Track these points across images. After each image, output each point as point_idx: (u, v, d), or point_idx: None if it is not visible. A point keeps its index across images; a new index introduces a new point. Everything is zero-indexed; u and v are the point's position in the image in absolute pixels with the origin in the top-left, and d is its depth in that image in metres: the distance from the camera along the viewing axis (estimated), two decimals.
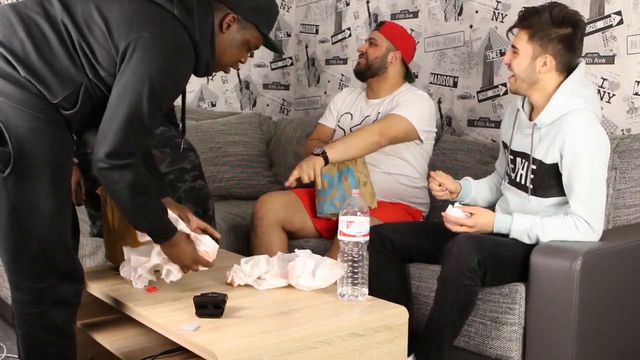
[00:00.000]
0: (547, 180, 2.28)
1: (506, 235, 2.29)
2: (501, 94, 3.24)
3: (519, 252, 2.23)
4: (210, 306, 1.77)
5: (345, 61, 4.05)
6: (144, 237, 1.96)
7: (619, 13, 2.81)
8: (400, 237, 2.49)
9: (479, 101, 3.34)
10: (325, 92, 4.20)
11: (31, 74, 1.74)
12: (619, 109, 2.83)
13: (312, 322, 1.76)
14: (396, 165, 2.93)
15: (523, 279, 2.24)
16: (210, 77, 4.10)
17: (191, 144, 2.98)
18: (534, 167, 2.29)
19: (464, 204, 2.43)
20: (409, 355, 2.21)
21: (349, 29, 4.00)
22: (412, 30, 3.54)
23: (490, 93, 3.30)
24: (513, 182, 2.40)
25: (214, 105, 4.14)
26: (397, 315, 1.86)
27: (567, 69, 2.28)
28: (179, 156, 2.83)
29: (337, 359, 1.73)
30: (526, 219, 2.24)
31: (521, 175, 2.35)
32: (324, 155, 2.67)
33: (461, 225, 2.26)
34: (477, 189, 2.55)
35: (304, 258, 2.01)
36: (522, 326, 2.24)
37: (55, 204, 1.80)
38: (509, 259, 2.23)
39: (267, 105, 4.35)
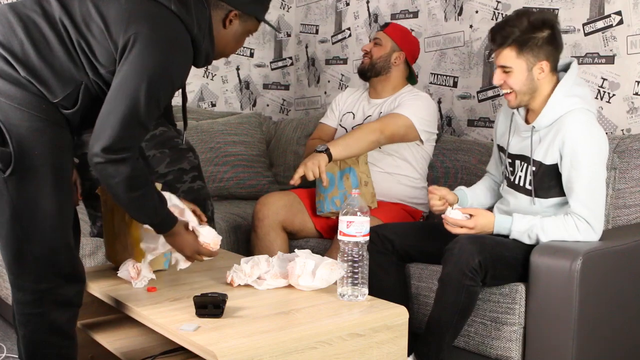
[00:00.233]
0: (547, 181, 2.28)
1: (506, 236, 2.29)
2: (501, 94, 3.24)
3: (520, 252, 2.23)
4: (210, 306, 1.77)
5: (345, 61, 4.05)
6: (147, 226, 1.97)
7: (619, 13, 2.81)
8: (401, 237, 2.49)
9: (479, 101, 3.34)
10: (325, 92, 4.20)
11: (31, 73, 1.74)
12: (619, 109, 2.83)
13: (312, 322, 1.75)
14: (397, 166, 2.93)
15: (523, 279, 2.24)
16: (210, 78, 4.10)
17: (191, 144, 2.97)
18: (534, 168, 2.29)
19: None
20: (408, 355, 2.21)
21: (349, 29, 4.00)
22: (412, 30, 3.54)
23: (490, 93, 3.30)
24: (512, 185, 2.39)
25: (214, 105, 4.14)
26: (397, 315, 1.86)
27: (556, 67, 2.29)
28: (178, 157, 2.83)
29: (337, 359, 1.73)
30: (526, 220, 2.24)
31: (520, 177, 2.35)
32: (327, 152, 2.67)
33: (461, 227, 2.26)
34: (471, 196, 2.55)
35: (304, 258, 2.01)
36: (522, 326, 2.24)
37: (56, 203, 1.79)
38: (509, 260, 2.23)
39: (267, 105, 4.35)
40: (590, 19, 2.89)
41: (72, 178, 2.35)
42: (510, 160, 2.41)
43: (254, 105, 4.30)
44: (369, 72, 3.01)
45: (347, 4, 3.99)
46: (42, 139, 1.75)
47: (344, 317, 1.81)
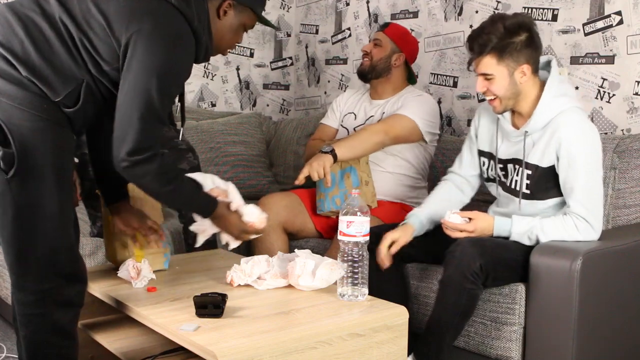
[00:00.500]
0: (545, 183, 2.27)
1: (506, 238, 2.28)
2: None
3: (520, 254, 2.23)
4: (210, 306, 1.77)
5: (345, 61, 4.05)
6: None
7: (619, 13, 2.81)
8: None
9: (479, 101, 3.34)
10: (325, 92, 4.20)
11: (32, 72, 1.74)
12: (619, 109, 2.83)
13: (312, 322, 1.75)
14: (399, 165, 2.93)
15: (524, 279, 2.24)
16: (210, 78, 4.10)
17: (190, 145, 2.97)
18: (529, 172, 2.29)
19: (461, 209, 2.41)
20: (408, 355, 2.21)
21: (349, 29, 4.00)
22: (412, 30, 3.54)
23: None
24: (508, 189, 2.39)
25: (214, 105, 4.14)
26: (397, 315, 1.86)
27: (537, 68, 2.28)
28: (178, 157, 2.83)
29: (337, 359, 1.73)
30: (525, 221, 2.24)
31: (516, 181, 2.34)
32: (332, 152, 2.68)
33: (461, 231, 2.26)
34: (427, 215, 2.44)
35: (304, 258, 2.01)
36: (522, 326, 2.24)
37: (58, 203, 1.79)
38: (510, 262, 2.23)
39: (267, 105, 4.35)
40: (590, 19, 2.89)
41: (72, 178, 2.36)
42: (501, 165, 2.40)
43: (254, 105, 4.30)
44: (370, 74, 3.01)
45: (347, 4, 3.99)
46: (43, 139, 1.75)
47: (344, 317, 1.81)
